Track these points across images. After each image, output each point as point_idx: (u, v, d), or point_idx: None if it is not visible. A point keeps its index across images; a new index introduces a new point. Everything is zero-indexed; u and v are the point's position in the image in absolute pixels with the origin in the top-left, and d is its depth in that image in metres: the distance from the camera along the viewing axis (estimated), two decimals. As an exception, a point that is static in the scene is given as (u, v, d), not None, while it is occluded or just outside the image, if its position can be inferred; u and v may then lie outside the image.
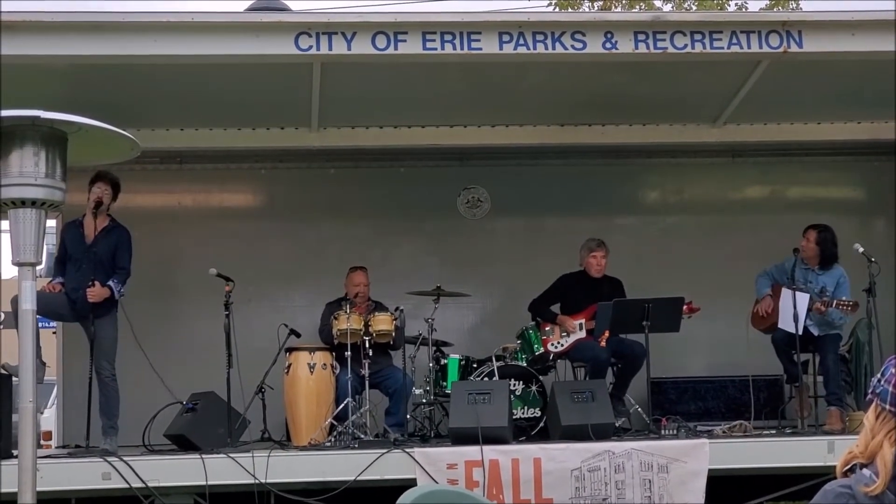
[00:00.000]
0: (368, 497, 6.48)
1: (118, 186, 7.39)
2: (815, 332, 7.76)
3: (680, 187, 10.10)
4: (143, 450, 6.99)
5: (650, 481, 6.61)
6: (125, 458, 6.49)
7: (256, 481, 6.44)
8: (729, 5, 17.70)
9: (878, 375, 2.38)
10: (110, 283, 7.15)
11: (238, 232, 9.41)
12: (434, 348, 7.93)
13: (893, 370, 2.35)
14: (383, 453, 6.61)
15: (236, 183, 9.67)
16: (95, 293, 7.07)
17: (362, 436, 7.27)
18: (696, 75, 7.84)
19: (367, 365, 7.49)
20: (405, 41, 6.86)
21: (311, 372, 7.52)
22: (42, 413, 11.34)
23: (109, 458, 6.51)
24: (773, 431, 7.72)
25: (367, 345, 7.50)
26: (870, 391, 2.41)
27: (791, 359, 7.74)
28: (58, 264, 7.50)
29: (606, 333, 7.73)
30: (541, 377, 7.81)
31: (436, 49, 6.90)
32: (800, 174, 9.95)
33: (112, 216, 7.43)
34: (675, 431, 7.13)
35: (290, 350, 7.70)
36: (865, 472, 2.33)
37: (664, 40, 7.00)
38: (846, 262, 7.93)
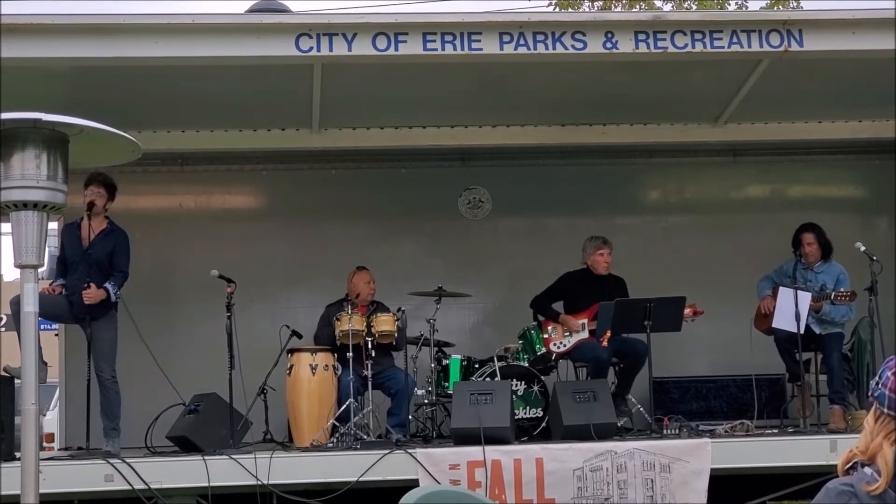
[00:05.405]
0: (371, 498, 6.47)
1: (113, 188, 7.35)
2: (818, 330, 7.77)
3: (681, 187, 10.09)
4: (145, 451, 6.98)
5: (652, 481, 6.60)
6: (127, 460, 6.49)
7: (259, 482, 6.44)
8: (729, 4, 17.68)
9: (876, 378, 2.38)
10: (107, 285, 7.13)
11: (239, 233, 9.40)
12: (436, 349, 7.93)
13: (889, 374, 2.35)
14: (385, 454, 6.61)
15: (237, 184, 9.66)
16: (91, 295, 7.04)
17: (364, 437, 7.25)
18: (697, 75, 7.85)
19: (369, 366, 7.48)
20: (406, 42, 6.87)
21: (313, 373, 7.53)
22: (45, 415, 11.35)
23: (112, 460, 6.51)
24: (776, 430, 7.72)
25: (369, 345, 7.50)
26: (869, 394, 2.41)
27: (793, 357, 7.74)
28: (59, 266, 7.48)
29: (608, 333, 7.72)
30: (542, 377, 7.80)
31: (436, 50, 6.90)
32: (801, 173, 9.94)
33: (111, 219, 7.41)
34: (677, 431, 7.13)
35: (292, 351, 7.71)
36: (867, 470, 2.32)
37: (664, 40, 7.00)
38: (847, 261, 7.93)
